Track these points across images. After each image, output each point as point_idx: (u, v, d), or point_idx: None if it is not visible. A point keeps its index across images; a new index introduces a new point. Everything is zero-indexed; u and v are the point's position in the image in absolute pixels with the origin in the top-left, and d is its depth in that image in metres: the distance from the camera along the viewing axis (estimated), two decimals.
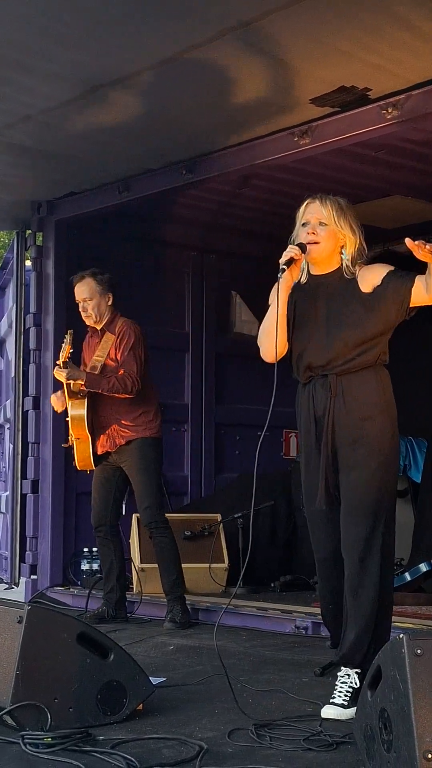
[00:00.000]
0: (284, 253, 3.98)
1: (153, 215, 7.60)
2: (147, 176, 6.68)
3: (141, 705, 3.78)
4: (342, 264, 4.08)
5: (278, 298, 3.94)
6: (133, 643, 5.32)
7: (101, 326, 6.08)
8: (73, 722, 3.56)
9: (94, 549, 7.17)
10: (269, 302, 4.07)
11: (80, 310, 6.08)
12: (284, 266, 3.95)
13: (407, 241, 3.69)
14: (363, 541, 3.93)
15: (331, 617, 4.28)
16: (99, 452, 6.03)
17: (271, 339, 4.03)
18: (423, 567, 6.30)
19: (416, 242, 3.67)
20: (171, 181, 6.57)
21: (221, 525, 7.14)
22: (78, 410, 5.92)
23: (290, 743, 3.37)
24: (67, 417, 6.00)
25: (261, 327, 4.11)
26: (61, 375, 5.80)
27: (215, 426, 8.56)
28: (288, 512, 7.66)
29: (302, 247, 4.01)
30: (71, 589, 7.17)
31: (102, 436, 6.02)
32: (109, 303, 6.06)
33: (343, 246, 4.06)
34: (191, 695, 4.16)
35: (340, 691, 3.86)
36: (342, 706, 3.78)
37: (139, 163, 6.51)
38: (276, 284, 3.98)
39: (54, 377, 6.18)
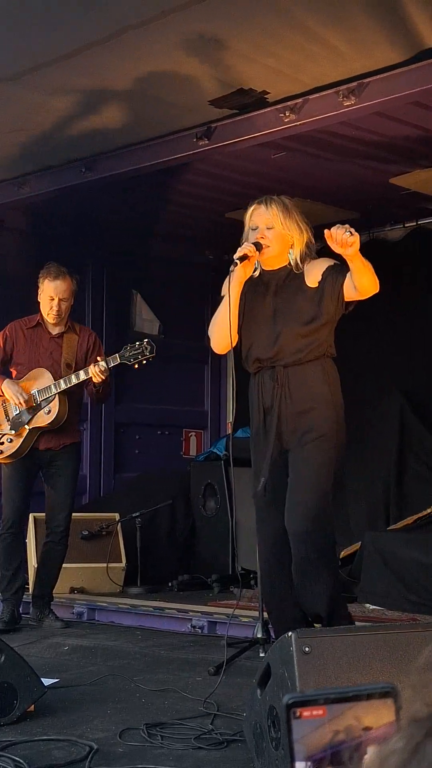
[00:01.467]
0: (239, 249, 4.15)
1: (53, 212, 7.54)
2: (46, 173, 6.62)
3: (32, 706, 3.74)
4: (291, 262, 4.27)
5: (230, 292, 4.14)
6: (28, 644, 5.28)
7: (66, 327, 5.95)
8: None
9: None
10: (222, 294, 4.25)
11: (53, 305, 5.84)
12: (237, 260, 4.13)
13: (326, 232, 3.88)
14: (305, 533, 4.11)
15: (275, 600, 4.39)
16: (42, 447, 5.84)
17: (221, 331, 4.21)
18: None
19: (333, 231, 3.86)
20: (70, 178, 6.52)
21: (119, 524, 7.12)
22: (63, 405, 5.76)
23: (181, 742, 3.38)
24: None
25: (213, 319, 4.27)
26: (101, 375, 5.50)
27: (114, 425, 8.54)
28: (186, 512, 7.69)
29: (258, 246, 4.18)
30: None
31: (52, 432, 5.84)
32: (72, 305, 5.99)
33: (291, 245, 4.25)
34: (83, 696, 4.14)
35: None
36: None
37: (37, 159, 6.45)
38: (228, 277, 4.17)
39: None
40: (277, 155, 6.23)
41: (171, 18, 4.43)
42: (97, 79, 5.14)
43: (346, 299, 4.14)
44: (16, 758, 3.14)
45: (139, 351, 5.47)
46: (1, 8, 4.40)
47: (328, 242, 3.93)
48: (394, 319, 7.80)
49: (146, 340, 5.54)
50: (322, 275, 4.17)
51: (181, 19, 4.44)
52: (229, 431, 8.83)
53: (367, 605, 5.76)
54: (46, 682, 4.03)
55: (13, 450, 5.79)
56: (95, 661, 4.93)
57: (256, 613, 4.96)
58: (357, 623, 5.13)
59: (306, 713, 1.02)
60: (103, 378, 5.54)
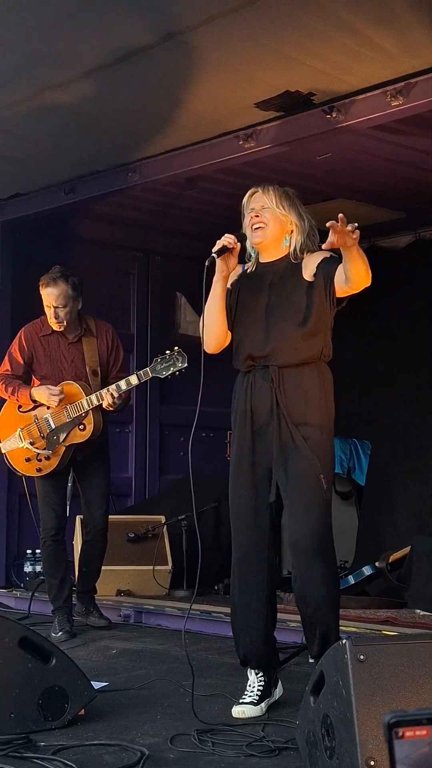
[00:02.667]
0: (217, 241, 3.92)
1: (99, 216, 7.57)
2: (92, 178, 6.65)
3: (83, 710, 3.75)
4: (289, 250, 4.04)
5: (203, 288, 3.95)
6: (76, 647, 5.29)
7: (82, 329, 5.75)
8: (14, 728, 3.53)
9: (37, 551, 7.11)
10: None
11: (50, 313, 5.65)
12: (214, 254, 3.91)
13: (330, 223, 3.59)
14: (308, 537, 3.88)
15: (241, 618, 4.07)
16: (79, 458, 5.73)
17: (208, 331, 4.02)
18: (366, 570, 6.33)
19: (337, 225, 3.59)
20: (116, 183, 6.55)
21: (165, 527, 7.12)
22: (98, 417, 5.61)
23: (233, 749, 3.37)
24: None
25: (202, 319, 4.05)
26: (108, 400, 5.42)
27: (160, 427, 8.55)
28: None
29: (240, 237, 3.98)
30: (14, 592, 7.11)
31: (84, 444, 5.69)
32: (79, 307, 5.75)
33: (290, 232, 4.03)
34: (133, 700, 4.14)
35: None
36: None
37: (84, 164, 6.48)
38: (215, 274, 3.96)
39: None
40: (322, 157, 6.20)
41: (219, 22, 4.42)
42: (144, 83, 5.15)
43: (337, 294, 3.87)
44: (68, 762, 3.15)
45: (170, 363, 5.31)
46: (50, 16, 4.41)
47: (332, 230, 3.61)
48: None
49: (177, 349, 5.33)
50: (317, 267, 3.92)
51: (226, 23, 4.43)
52: None
53: (418, 611, 5.70)
54: (96, 685, 4.03)
55: (52, 468, 5.65)
56: (143, 664, 4.93)
57: None
58: (407, 631, 5.10)
59: (409, 733, 0.99)
60: (112, 404, 5.45)
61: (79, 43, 4.66)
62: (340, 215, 3.61)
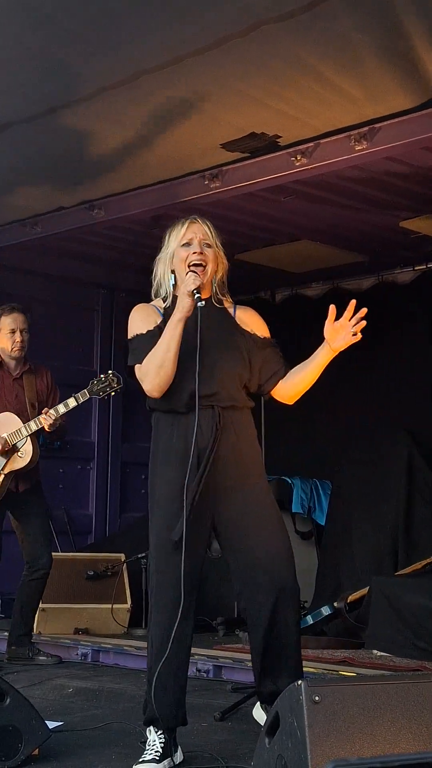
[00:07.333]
0: (191, 282, 3.66)
1: (64, 252, 7.58)
2: (57, 214, 6.66)
3: (37, 750, 3.70)
4: (213, 289, 3.81)
5: (200, 328, 3.63)
6: (32, 686, 5.23)
7: (27, 367, 6.01)
8: None
9: None
10: (143, 331, 3.81)
11: (15, 338, 5.89)
12: (198, 293, 3.64)
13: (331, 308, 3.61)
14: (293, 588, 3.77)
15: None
16: (21, 489, 5.89)
17: (165, 373, 3.66)
18: (325, 610, 6.33)
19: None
20: (82, 219, 6.57)
21: (125, 565, 7.07)
22: (36, 446, 5.80)
23: None
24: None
25: (151, 361, 3.70)
26: (48, 421, 5.62)
27: (121, 464, 8.52)
28: None
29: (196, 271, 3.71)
30: None
31: (26, 473, 5.87)
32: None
33: (215, 271, 3.79)
34: (88, 740, 4.09)
35: None
36: None
37: (49, 200, 6.48)
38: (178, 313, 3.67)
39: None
40: (287, 198, 6.26)
41: (185, 63, 4.47)
42: (111, 121, 5.18)
43: (270, 393, 3.81)
44: None
45: (106, 384, 5.51)
46: (19, 56, 4.44)
47: (329, 317, 3.62)
48: (403, 361, 7.80)
49: (111, 372, 5.57)
50: (263, 341, 3.81)
51: (195, 64, 4.48)
52: None
53: (375, 652, 5.70)
54: (51, 725, 3.98)
55: None
56: (99, 704, 4.88)
57: None
58: (364, 671, 5.09)
59: None
60: (53, 424, 5.64)
61: (46, 81, 4.69)
62: (352, 301, 3.59)
